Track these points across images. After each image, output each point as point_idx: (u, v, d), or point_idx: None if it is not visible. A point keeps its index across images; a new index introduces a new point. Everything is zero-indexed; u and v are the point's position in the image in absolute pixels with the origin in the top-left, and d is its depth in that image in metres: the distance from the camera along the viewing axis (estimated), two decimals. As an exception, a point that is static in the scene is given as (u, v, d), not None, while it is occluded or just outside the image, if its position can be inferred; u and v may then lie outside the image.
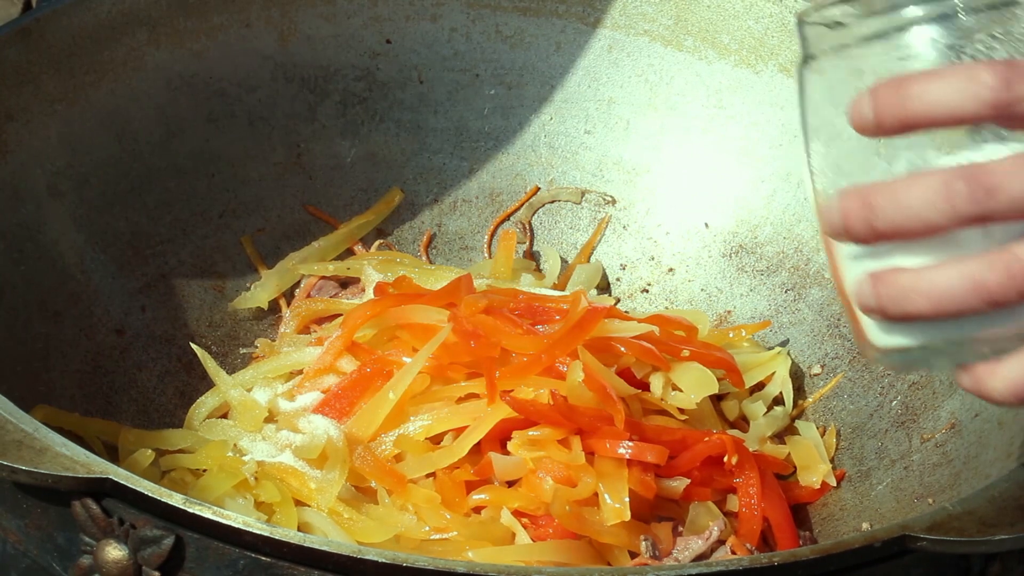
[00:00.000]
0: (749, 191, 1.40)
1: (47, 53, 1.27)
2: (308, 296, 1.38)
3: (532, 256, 1.45)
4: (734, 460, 1.17)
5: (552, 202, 1.46)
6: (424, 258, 1.43)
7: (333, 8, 1.41)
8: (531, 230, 1.45)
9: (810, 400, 1.33)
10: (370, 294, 1.32)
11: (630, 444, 1.13)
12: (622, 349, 1.22)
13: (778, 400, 1.32)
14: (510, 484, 1.14)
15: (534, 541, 1.11)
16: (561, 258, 1.43)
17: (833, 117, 0.78)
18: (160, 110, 1.35)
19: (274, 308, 1.38)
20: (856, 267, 0.78)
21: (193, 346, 1.28)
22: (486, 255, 1.44)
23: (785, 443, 1.28)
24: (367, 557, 0.85)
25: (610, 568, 1.09)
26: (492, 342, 1.19)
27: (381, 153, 1.44)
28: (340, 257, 1.41)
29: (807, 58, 0.81)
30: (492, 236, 1.45)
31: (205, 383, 1.29)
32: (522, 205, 1.46)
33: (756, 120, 1.40)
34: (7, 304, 1.20)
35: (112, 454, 1.18)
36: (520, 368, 1.19)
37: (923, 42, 0.76)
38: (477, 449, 1.16)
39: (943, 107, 0.73)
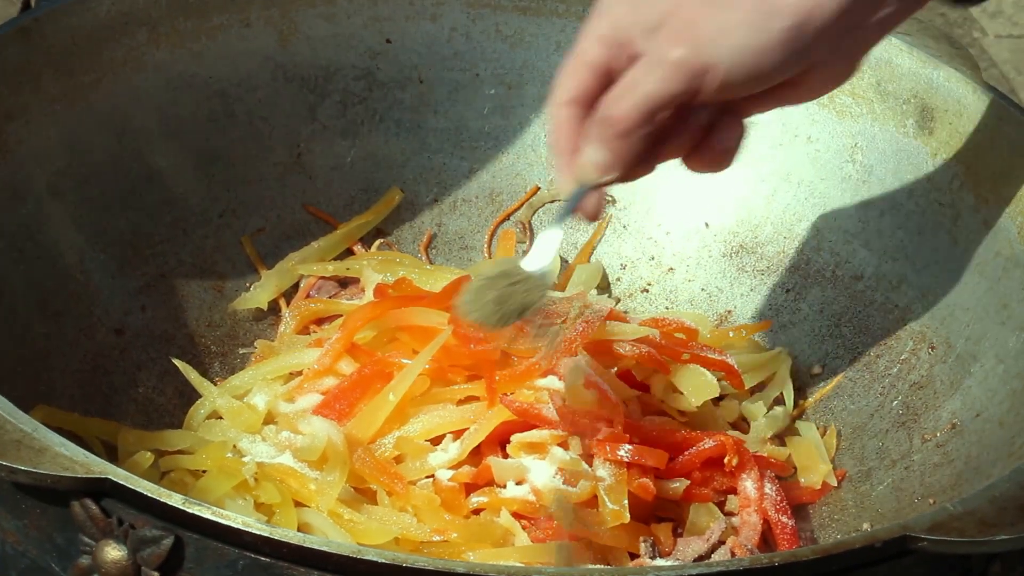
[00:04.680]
0: (749, 191, 1.40)
1: (47, 53, 1.27)
2: (307, 296, 1.37)
3: (532, 256, 1.44)
4: (734, 461, 1.17)
5: (552, 202, 1.46)
6: (424, 258, 1.43)
7: (333, 8, 1.41)
8: (531, 230, 1.45)
9: (810, 400, 1.33)
10: (370, 295, 1.32)
11: (630, 447, 1.13)
12: (623, 352, 1.22)
13: (778, 400, 1.32)
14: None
15: (533, 543, 1.11)
16: (561, 258, 1.43)
17: None
18: (160, 110, 1.35)
19: (274, 308, 1.38)
20: None
21: (175, 361, 1.27)
22: (486, 255, 1.44)
23: (786, 444, 1.28)
24: (366, 557, 0.85)
25: (610, 568, 1.09)
26: (492, 345, 1.19)
27: (381, 153, 1.44)
28: (340, 257, 1.41)
29: None
30: (492, 236, 1.45)
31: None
32: (522, 205, 1.46)
33: (756, 119, 1.38)
34: (7, 304, 1.20)
35: (111, 454, 1.18)
36: (520, 371, 1.18)
37: None
38: (477, 451, 1.16)
39: None
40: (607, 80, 0.96)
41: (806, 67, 0.95)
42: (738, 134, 1.00)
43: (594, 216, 1.00)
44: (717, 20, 0.91)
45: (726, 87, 0.93)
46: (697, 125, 0.98)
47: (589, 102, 0.97)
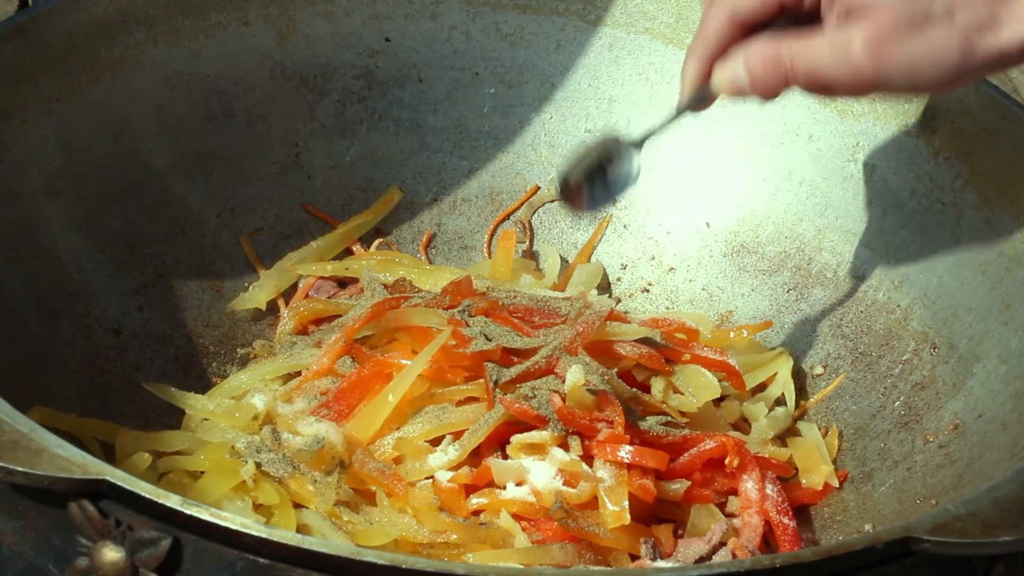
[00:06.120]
0: (750, 190, 1.40)
1: (43, 51, 1.27)
2: (306, 296, 1.37)
3: (532, 256, 1.44)
4: (735, 462, 1.17)
5: (552, 201, 1.46)
6: (423, 258, 1.43)
7: (332, 6, 1.41)
8: (531, 229, 1.45)
9: (812, 401, 1.32)
10: (369, 294, 1.32)
11: (630, 448, 1.13)
12: (623, 352, 1.21)
13: (780, 401, 1.31)
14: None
15: (533, 544, 1.11)
16: (561, 258, 1.43)
17: None
18: (158, 109, 1.35)
19: (272, 308, 1.38)
20: None
21: (146, 386, 1.24)
22: (486, 255, 1.44)
23: (787, 444, 1.27)
24: (366, 559, 0.85)
25: (611, 570, 1.09)
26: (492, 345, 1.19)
27: (380, 152, 1.44)
28: (339, 257, 1.40)
29: None
30: (492, 235, 1.44)
31: (202, 384, 1.29)
32: (522, 204, 1.45)
33: (757, 119, 1.39)
34: (4, 304, 1.20)
35: (109, 455, 1.18)
36: (520, 371, 1.18)
37: None
38: (476, 452, 1.16)
39: None
40: (779, 11, 1.01)
41: None
42: None
43: (698, 112, 1.07)
44: (913, 49, 0.95)
45: (884, 91, 0.98)
46: None
47: (753, 22, 1.02)
